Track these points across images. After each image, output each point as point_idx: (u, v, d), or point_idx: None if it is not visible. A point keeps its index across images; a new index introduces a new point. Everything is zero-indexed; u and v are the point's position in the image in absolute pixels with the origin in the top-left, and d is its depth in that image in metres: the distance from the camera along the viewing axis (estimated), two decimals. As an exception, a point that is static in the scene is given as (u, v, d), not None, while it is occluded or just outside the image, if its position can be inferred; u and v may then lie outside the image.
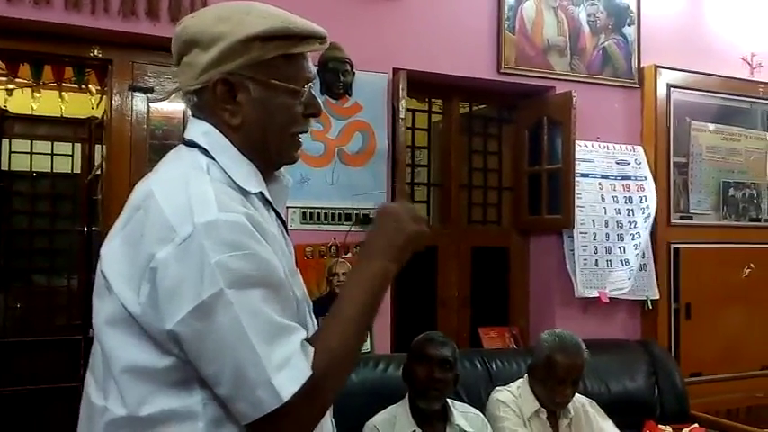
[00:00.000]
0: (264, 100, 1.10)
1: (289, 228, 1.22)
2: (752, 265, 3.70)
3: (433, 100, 3.47)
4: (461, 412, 2.36)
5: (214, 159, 1.08)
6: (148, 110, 2.73)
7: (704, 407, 3.24)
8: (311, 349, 0.99)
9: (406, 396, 2.32)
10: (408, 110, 3.20)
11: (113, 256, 1.03)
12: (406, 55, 3.02)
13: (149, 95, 2.72)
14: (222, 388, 0.96)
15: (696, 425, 2.98)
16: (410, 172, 3.39)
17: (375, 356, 2.78)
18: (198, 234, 0.95)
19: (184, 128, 1.17)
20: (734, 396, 3.49)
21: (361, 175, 2.92)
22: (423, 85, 3.18)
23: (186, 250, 0.95)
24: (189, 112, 1.19)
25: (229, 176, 1.07)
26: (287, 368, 0.95)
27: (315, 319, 1.17)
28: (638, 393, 3.10)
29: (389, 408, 2.32)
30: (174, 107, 2.77)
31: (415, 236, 1.13)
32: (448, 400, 2.35)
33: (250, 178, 1.10)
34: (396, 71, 2.97)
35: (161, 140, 2.74)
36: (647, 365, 3.17)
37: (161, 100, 2.69)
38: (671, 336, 3.45)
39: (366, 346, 2.86)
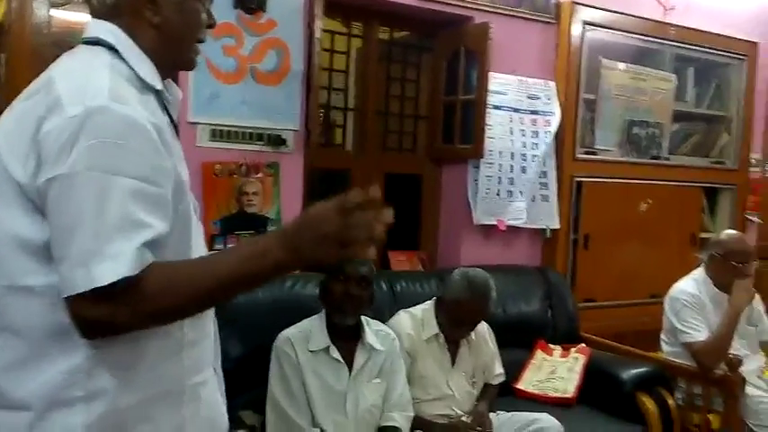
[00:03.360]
0: (180, 2, 1.18)
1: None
2: (649, 201, 3.91)
3: (353, 24, 3.43)
4: (374, 330, 2.41)
5: (119, 57, 1.12)
6: (50, 16, 2.61)
7: (595, 330, 3.44)
8: (150, 257, 0.98)
9: (323, 311, 2.36)
10: (326, 31, 3.17)
11: (5, 130, 1.08)
12: (325, -27, 2.96)
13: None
14: (54, 255, 1.00)
15: (583, 345, 3.21)
16: (327, 95, 3.38)
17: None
18: (85, 115, 0.99)
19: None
20: (623, 321, 3.70)
21: (274, 95, 2.88)
22: (342, 5, 3.14)
23: (68, 126, 0.99)
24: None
25: (135, 72, 1.12)
26: (113, 261, 0.95)
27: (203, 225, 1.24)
28: (533, 315, 3.29)
29: (304, 321, 2.35)
30: (79, 17, 2.64)
31: (320, 260, 1.02)
32: (363, 318, 2.38)
33: (154, 75, 1.16)
34: (313, -12, 2.92)
35: (66, 51, 2.62)
36: (543, 290, 3.35)
37: (63, 4, 2.57)
38: (568, 264, 3.64)
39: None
